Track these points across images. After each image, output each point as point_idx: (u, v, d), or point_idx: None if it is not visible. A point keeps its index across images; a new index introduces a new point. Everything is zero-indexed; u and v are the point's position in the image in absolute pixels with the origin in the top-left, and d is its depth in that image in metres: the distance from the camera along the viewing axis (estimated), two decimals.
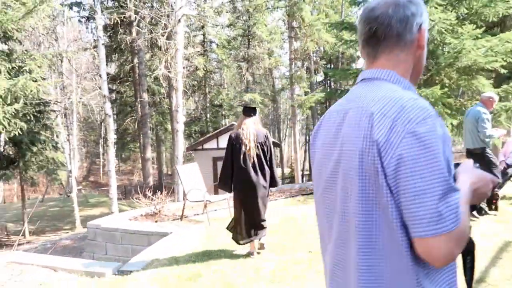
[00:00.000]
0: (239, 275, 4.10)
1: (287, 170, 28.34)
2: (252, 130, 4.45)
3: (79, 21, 19.96)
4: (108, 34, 18.91)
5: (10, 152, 17.94)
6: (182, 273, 4.26)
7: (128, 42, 14.33)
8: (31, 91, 10.50)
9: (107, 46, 19.97)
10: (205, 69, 20.00)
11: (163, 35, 12.54)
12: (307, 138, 29.18)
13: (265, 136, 4.55)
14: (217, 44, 19.95)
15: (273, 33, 20.32)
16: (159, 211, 7.01)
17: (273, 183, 4.67)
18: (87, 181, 38.50)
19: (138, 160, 30.32)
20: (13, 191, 31.85)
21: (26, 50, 11.65)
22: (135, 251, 5.86)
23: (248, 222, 4.58)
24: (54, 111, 15.76)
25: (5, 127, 11.09)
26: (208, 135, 16.23)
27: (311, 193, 8.33)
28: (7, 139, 17.05)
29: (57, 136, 21.30)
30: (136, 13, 11.97)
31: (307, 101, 15.86)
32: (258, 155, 4.43)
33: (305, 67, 19.73)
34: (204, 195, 6.45)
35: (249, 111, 4.62)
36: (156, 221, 6.63)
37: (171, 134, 20.69)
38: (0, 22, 9.84)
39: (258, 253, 4.72)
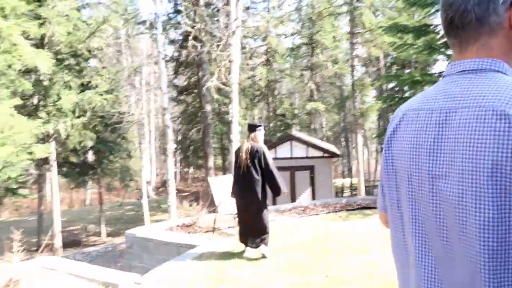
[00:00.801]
0: None
1: (355, 181, 27.22)
2: (246, 145, 5.10)
3: (151, 37, 21.34)
4: (177, 48, 19.92)
5: (91, 160, 19.66)
6: None
7: (191, 56, 14.94)
8: (96, 104, 11.34)
9: (175, 60, 21.01)
10: (268, 79, 20.07)
11: (217, 47, 12.80)
12: (379, 147, 27.78)
13: (257, 150, 5.04)
14: (280, 54, 19.94)
15: (337, 40, 19.76)
16: (194, 222, 7.05)
17: (274, 189, 5.11)
18: (164, 187, 40.87)
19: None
20: (101, 195, 34.82)
21: (95, 66, 12.70)
22: (166, 261, 5.94)
23: (241, 227, 5.18)
24: (128, 122, 16.85)
25: (75, 138, 12.14)
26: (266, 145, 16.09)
27: (357, 209, 7.80)
28: (89, 148, 18.73)
29: (138, 144, 22.96)
30: (192, 27, 12.38)
31: (370, 110, 15.06)
32: (248, 166, 4.97)
33: (369, 74, 18.84)
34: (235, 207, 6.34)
35: (251, 128, 5.24)
36: (189, 233, 6.67)
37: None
38: (70, 43, 10.84)
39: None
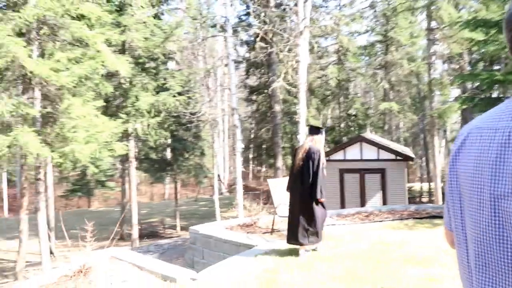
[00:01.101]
0: None
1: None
2: (306, 145, 5.30)
3: (224, 40, 22.03)
4: (248, 49, 20.35)
5: (168, 157, 20.86)
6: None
7: (259, 57, 15.16)
8: (170, 105, 12.00)
9: (246, 60, 21.42)
10: (338, 78, 19.60)
11: (284, 48, 12.81)
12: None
13: (313, 152, 5.17)
14: (352, 52, 19.35)
15: (414, 36, 18.65)
16: (255, 222, 7.15)
17: (312, 194, 5.18)
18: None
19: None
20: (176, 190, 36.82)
21: (170, 69, 13.46)
22: (224, 259, 6.12)
23: (288, 224, 5.38)
24: (200, 121, 17.58)
25: (152, 136, 12.99)
26: (335, 146, 15.84)
27: (425, 217, 7.31)
28: (166, 146, 19.93)
29: (211, 143, 23.95)
30: (260, 28, 12.54)
31: (448, 110, 14.00)
32: (302, 166, 5.19)
33: (449, 72, 17.43)
34: None
35: (313, 130, 5.46)
36: (247, 232, 6.78)
37: None
38: (147, 48, 11.62)
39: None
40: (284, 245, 5.87)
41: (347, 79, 20.65)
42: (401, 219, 7.25)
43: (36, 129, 9.25)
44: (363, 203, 14.70)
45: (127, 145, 10.87)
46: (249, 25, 14.17)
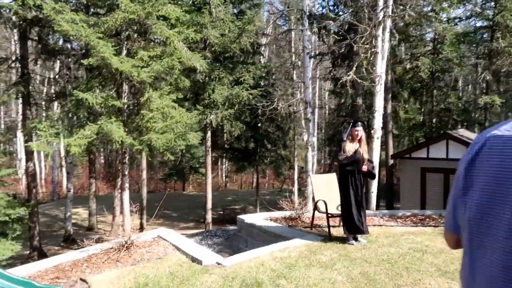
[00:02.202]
0: None
1: None
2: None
3: (311, 31, 21.85)
4: (338, 40, 19.90)
5: (250, 148, 21.65)
6: (252, 278, 4.48)
7: (334, 49, 14.78)
8: (243, 98, 12.51)
9: (331, 53, 20.99)
10: (430, 70, 18.09)
11: (360, 39, 12.31)
12: None
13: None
14: (449, 40, 17.61)
15: None
16: (298, 216, 7.23)
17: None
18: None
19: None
20: (264, 179, 37.88)
21: (245, 63, 13.94)
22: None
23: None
24: (273, 114, 17.82)
25: (228, 127, 13.68)
26: (417, 143, 14.82)
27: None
28: (250, 137, 20.72)
29: (292, 136, 24.22)
30: (334, 20, 12.24)
31: None
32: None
33: None
34: (335, 207, 6.25)
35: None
36: (289, 225, 6.91)
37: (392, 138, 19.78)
38: (222, 43, 12.24)
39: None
40: (318, 242, 5.89)
41: (442, 70, 18.90)
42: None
43: (120, 119, 10.50)
44: (446, 206, 13.55)
45: (201, 135, 11.65)
46: (333, 16, 13.81)
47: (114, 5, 10.13)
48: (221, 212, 21.78)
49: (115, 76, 10.62)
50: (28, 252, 13.16)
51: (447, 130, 18.31)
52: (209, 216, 14.14)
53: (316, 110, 31.30)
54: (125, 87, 11.13)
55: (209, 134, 13.73)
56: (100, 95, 9.83)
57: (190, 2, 11.69)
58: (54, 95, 13.39)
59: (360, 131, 5.74)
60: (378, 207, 19.73)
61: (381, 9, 12.19)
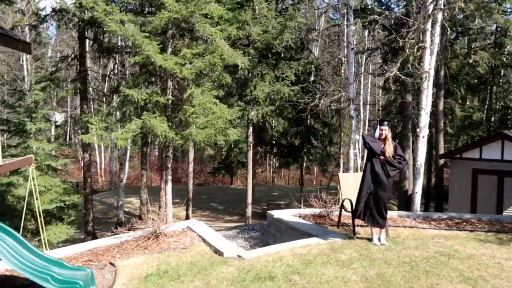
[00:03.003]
0: None
1: None
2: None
3: (363, 26, 21.29)
4: (388, 35, 19.23)
5: (295, 144, 21.63)
6: (266, 272, 4.61)
7: (381, 43, 14.31)
8: (284, 94, 12.57)
9: (388, 46, 20.32)
10: (490, 65, 16.95)
11: (407, 34, 11.85)
12: None
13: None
14: (507, 34, 16.35)
15: None
16: (328, 214, 7.21)
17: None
18: None
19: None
20: (312, 176, 37.60)
21: (288, 59, 13.94)
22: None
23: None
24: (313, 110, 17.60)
25: (271, 124, 13.81)
26: (469, 143, 14.01)
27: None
28: (295, 134, 20.71)
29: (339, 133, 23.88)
30: (380, 14, 11.86)
31: None
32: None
33: None
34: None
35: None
36: (316, 223, 6.91)
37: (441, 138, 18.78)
38: (266, 39, 12.35)
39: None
40: (340, 239, 5.86)
41: (504, 65, 17.61)
42: (498, 232, 6.26)
43: (164, 114, 11.03)
44: (499, 211, 12.72)
45: (241, 132, 11.88)
46: (372, 10, 13.40)
47: (162, 4, 10.57)
48: (265, 207, 21.99)
49: (159, 73, 11.17)
50: (83, 236, 14.25)
51: (508, 129, 17.09)
52: (249, 210, 14.40)
53: (368, 106, 30.50)
54: (170, 83, 11.65)
55: (251, 130, 13.96)
56: (145, 91, 10.37)
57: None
58: (109, 91, 14.32)
59: (385, 130, 5.62)
60: (427, 208, 18.90)
61: (431, 2, 11.66)
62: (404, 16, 12.38)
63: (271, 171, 38.54)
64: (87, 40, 13.65)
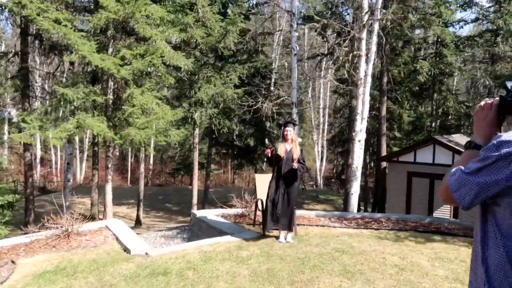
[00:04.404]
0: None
1: None
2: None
3: (315, 31, 21.91)
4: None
5: (250, 146, 21.83)
6: (163, 268, 4.80)
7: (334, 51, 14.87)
8: (227, 97, 12.82)
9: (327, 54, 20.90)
10: (429, 74, 17.90)
11: (343, 42, 12.41)
12: None
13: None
14: (446, 45, 17.35)
15: None
16: (248, 214, 7.49)
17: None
18: (336, 179, 41.35)
19: None
20: None
21: (233, 64, 14.22)
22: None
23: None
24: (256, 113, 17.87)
25: (215, 125, 14.00)
26: (405, 147, 14.77)
27: (431, 232, 6.66)
28: (249, 135, 20.86)
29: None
30: (318, 22, 12.37)
31: None
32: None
33: None
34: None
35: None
36: (235, 222, 7.18)
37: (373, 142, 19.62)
38: (210, 42, 12.55)
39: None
40: (250, 238, 6.14)
41: (442, 73, 18.66)
42: (400, 230, 6.74)
43: (104, 114, 11.01)
44: (430, 211, 13.49)
45: (183, 132, 12.01)
46: (319, 15, 13.89)
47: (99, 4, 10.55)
48: (221, 208, 22.17)
49: (99, 73, 11.13)
50: None
51: (447, 134, 18.09)
52: (194, 210, 14.51)
53: (321, 110, 31.30)
54: (111, 83, 11.64)
55: (197, 131, 14.12)
56: (82, 91, 10.32)
57: (176, 2, 12.02)
58: (51, 90, 14.08)
59: (290, 131, 5.95)
60: (374, 208, 19.68)
61: (366, 12, 12.25)
62: (339, 25, 12.93)
63: (232, 172, 38.74)
64: (30, 36, 13.36)
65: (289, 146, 5.97)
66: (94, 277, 4.51)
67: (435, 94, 19.28)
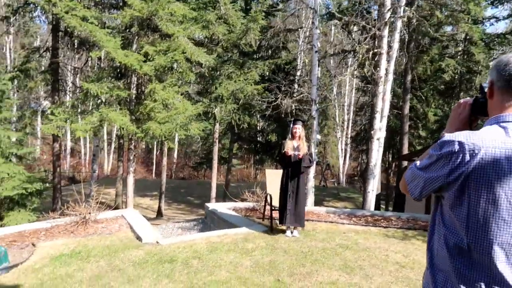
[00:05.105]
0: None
1: None
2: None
3: (341, 27, 21.73)
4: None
5: (272, 141, 21.96)
6: (170, 256, 5.06)
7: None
8: (247, 93, 13.00)
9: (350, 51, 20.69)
10: (456, 71, 17.47)
11: (364, 39, 12.32)
12: None
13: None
14: (475, 43, 16.85)
15: None
16: (259, 208, 7.66)
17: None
18: (359, 177, 40.95)
19: None
20: None
21: (253, 59, 14.34)
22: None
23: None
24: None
25: (235, 120, 14.20)
26: (425, 146, 14.49)
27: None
28: (271, 131, 21.04)
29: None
30: (340, 19, 12.32)
31: None
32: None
33: None
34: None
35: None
36: (246, 216, 7.37)
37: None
38: (231, 39, 12.75)
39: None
40: (258, 231, 6.32)
41: (470, 72, 18.16)
42: (409, 229, 6.74)
43: (127, 108, 11.43)
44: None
45: (202, 126, 12.29)
46: (333, 15, 13.85)
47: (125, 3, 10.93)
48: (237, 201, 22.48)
49: (122, 69, 11.56)
50: None
51: None
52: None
53: (346, 108, 30.99)
54: (134, 78, 12.05)
55: (217, 126, 14.39)
56: (107, 85, 10.75)
57: None
58: (79, 84, 14.68)
59: (298, 129, 6.07)
60: (392, 208, 19.44)
61: (388, 10, 12.11)
62: (362, 22, 12.82)
63: (254, 167, 39.01)
64: (60, 32, 13.97)
65: (297, 143, 6.09)
66: (105, 261, 4.81)
67: (462, 93, 18.78)
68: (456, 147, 1.29)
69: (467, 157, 1.26)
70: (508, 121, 1.30)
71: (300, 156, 6.03)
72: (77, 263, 4.76)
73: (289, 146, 6.05)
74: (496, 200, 1.24)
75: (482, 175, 1.25)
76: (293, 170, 6.02)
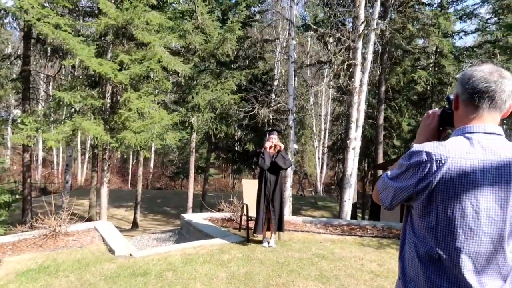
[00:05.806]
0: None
1: None
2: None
3: (317, 38, 22.09)
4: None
5: (249, 151, 21.96)
6: (143, 269, 4.93)
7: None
8: (224, 102, 12.98)
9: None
10: (427, 83, 18.02)
11: (339, 51, 12.57)
12: None
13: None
14: (445, 55, 17.46)
15: None
16: (236, 218, 7.61)
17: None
18: (336, 186, 41.39)
19: None
20: None
21: (230, 69, 14.39)
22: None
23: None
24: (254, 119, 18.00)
25: (212, 130, 14.14)
26: (399, 156, 14.77)
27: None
28: (248, 140, 20.99)
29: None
30: (315, 31, 12.53)
31: None
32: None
33: None
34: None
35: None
36: (222, 226, 7.30)
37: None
38: (208, 49, 12.74)
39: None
40: (234, 241, 6.25)
41: (441, 83, 18.77)
42: (384, 237, 6.83)
43: (102, 117, 11.20)
44: None
45: (178, 136, 12.17)
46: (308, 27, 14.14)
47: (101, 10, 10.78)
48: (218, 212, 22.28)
49: (96, 77, 11.35)
50: None
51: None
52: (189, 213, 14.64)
53: (322, 117, 31.39)
54: (109, 87, 11.84)
55: (194, 135, 14.29)
56: (80, 94, 10.52)
57: (177, 9, 12.25)
58: (51, 93, 14.32)
59: (274, 139, 6.10)
60: (368, 217, 19.70)
61: (362, 22, 12.40)
62: (337, 34, 13.09)
63: (232, 177, 38.86)
64: (32, 40, 13.62)
65: (273, 152, 6.11)
66: (75, 276, 4.64)
67: (434, 103, 19.36)
68: (424, 157, 1.31)
69: (434, 167, 1.28)
70: (472, 132, 1.34)
71: (278, 149, 6.05)
72: (45, 278, 4.58)
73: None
74: (463, 209, 1.26)
75: (449, 184, 1.27)
76: (271, 172, 6.03)
